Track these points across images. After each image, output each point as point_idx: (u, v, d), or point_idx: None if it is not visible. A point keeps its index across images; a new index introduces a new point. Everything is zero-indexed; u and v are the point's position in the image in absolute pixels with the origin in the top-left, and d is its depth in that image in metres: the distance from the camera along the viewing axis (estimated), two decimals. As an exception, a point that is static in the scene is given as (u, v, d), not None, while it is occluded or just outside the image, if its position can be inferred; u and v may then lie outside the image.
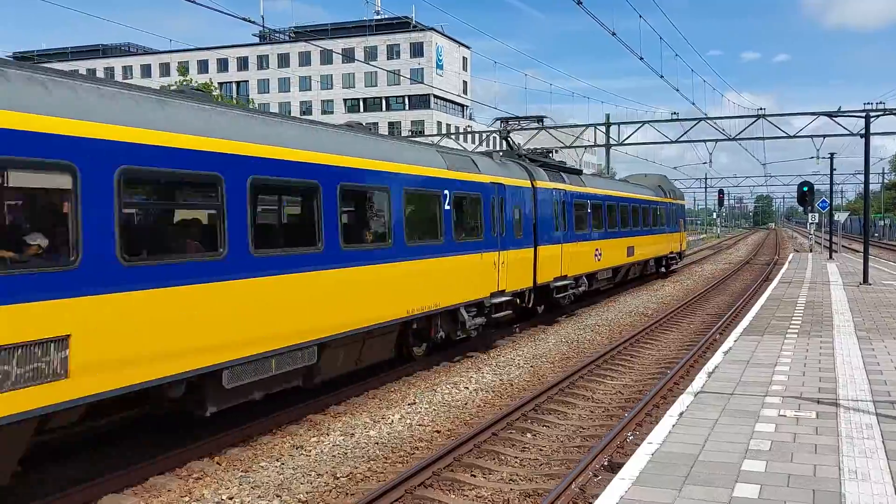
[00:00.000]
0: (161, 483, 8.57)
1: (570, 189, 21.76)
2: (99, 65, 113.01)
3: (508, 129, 22.81)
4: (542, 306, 20.54)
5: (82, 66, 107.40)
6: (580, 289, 22.24)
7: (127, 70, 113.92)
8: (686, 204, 42.22)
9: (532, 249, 18.43)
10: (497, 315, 16.63)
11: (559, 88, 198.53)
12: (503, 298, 16.67)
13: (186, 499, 8.14)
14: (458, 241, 14.71)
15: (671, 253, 36.26)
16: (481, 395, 12.88)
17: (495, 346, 17.52)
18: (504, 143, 22.68)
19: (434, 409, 11.87)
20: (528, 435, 10.60)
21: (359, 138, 12.44)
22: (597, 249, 23.87)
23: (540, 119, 23.73)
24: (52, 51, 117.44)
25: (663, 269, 36.09)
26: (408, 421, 11.20)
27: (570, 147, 44.93)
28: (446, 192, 14.41)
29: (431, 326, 14.39)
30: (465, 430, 10.74)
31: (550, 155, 24.38)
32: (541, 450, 9.97)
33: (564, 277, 20.80)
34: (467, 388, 13.35)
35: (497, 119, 23.00)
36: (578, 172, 24.37)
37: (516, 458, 9.59)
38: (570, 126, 47.83)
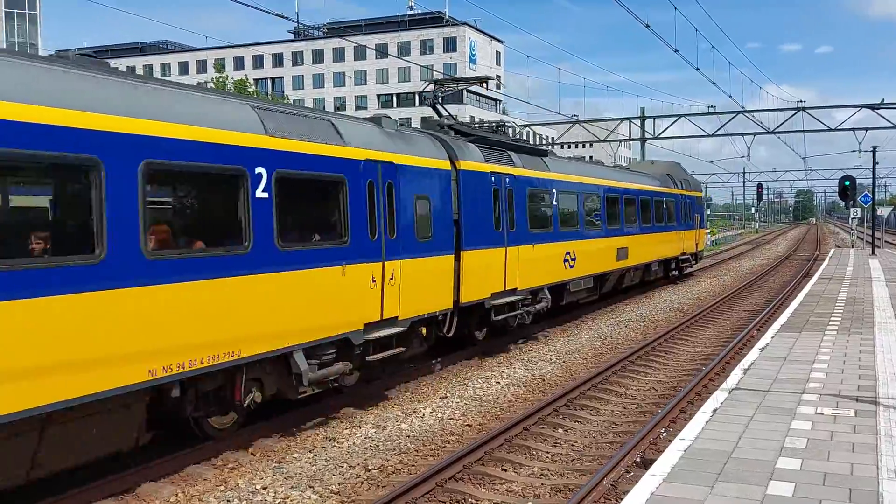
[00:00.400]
0: (197, 472, 8.72)
1: (522, 174, 16.48)
2: (138, 62, 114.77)
3: (436, 92, 16.59)
4: (483, 330, 15.74)
5: (122, 63, 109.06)
6: (540, 305, 17.11)
7: (165, 67, 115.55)
8: (703, 196, 36.11)
9: (451, 256, 13.41)
10: (378, 356, 11.39)
11: (592, 82, 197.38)
12: (392, 330, 11.53)
13: (222, 488, 8.27)
14: (289, 248, 9.53)
15: (683, 254, 30.54)
16: (513, 390, 12.87)
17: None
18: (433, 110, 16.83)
19: (465, 403, 11.90)
20: (560, 430, 10.58)
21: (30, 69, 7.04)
22: (568, 253, 18.64)
23: (484, 80, 17.27)
24: (92, 49, 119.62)
25: (674, 273, 30.51)
26: (439, 414, 11.24)
27: (604, 141, 44.57)
28: (260, 170, 9.09)
29: (235, 386, 9.25)
30: (496, 424, 10.75)
31: (511, 131, 19.18)
32: (572, 445, 9.94)
33: (512, 292, 15.70)
34: (499, 382, 13.35)
35: (429, 81, 17.09)
36: (541, 153, 18.80)
37: (547, 453, 9.58)
38: (605, 120, 47.48)
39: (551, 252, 17.80)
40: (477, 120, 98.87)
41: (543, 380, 13.71)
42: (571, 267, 18.88)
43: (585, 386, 12.69)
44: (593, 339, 17.96)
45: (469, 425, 10.80)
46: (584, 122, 45.27)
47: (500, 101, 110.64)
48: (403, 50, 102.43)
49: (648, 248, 25.75)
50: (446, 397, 12.25)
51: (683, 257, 30.74)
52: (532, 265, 16.57)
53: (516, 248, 15.87)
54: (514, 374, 14.00)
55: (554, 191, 18.12)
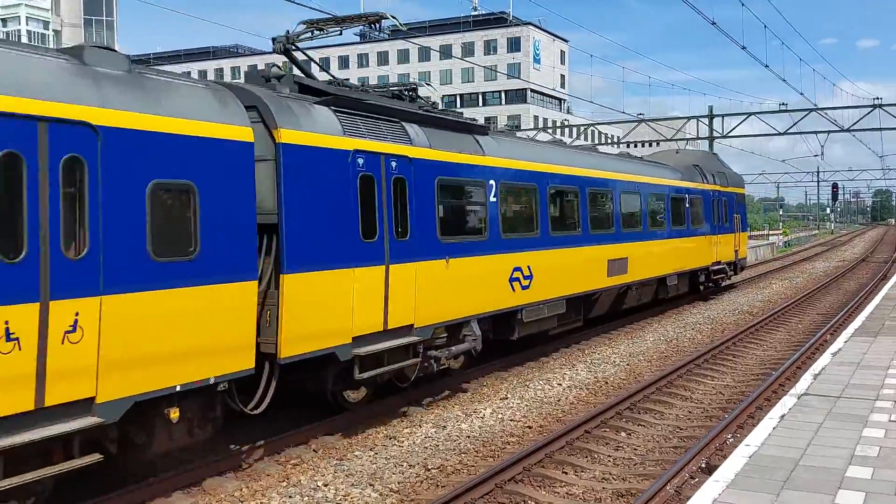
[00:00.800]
0: (261, 468, 8.92)
1: (426, 156, 11.38)
2: (209, 66, 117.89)
3: (291, 35, 11.97)
4: (360, 389, 11.24)
5: (194, 67, 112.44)
6: (461, 347, 12.15)
7: (235, 71, 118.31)
8: (744, 192, 29.96)
9: (251, 284, 8.39)
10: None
11: (658, 81, 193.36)
12: (60, 428, 6.60)
13: (284, 484, 8.44)
14: None
15: (716, 263, 24.85)
16: (575, 392, 12.76)
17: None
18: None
19: (526, 405, 11.85)
20: (623, 434, 10.44)
21: None
22: (518, 269, 13.52)
23: (376, 20, 12.05)
24: (165, 53, 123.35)
25: (709, 286, 25.07)
26: (499, 415, 11.23)
27: (670, 140, 43.76)
28: None
29: None
30: (557, 426, 10.68)
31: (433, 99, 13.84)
32: (635, 449, 9.80)
33: (402, 331, 10.70)
34: (560, 384, 13.25)
35: (301, 22, 12.21)
36: (474, 130, 13.35)
37: (610, 456, 9.47)
38: (671, 118, 46.62)
39: (484, 268, 12.61)
40: (541, 120, 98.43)
41: (606, 382, 13.55)
42: (525, 287, 13.72)
43: (650, 389, 12.49)
44: (658, 341, 17.66)
45: (529, 427, 10.75)
46: (649, 120, 44.54)
47: (565, 100, 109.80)
48: (467, 50, 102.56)
49: (661, 257, 20.39)
50: (507, 398, 12.22)
51: (717, 267, 25.00)
52: (446, 288, 11.60)
53: (411, 266, 10.84)
54: (577, 377, 13.87)
55: (492, 182, 12.95)
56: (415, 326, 10.96)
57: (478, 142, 13.07)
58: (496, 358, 14.51)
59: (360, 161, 10.11)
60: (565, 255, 15.24)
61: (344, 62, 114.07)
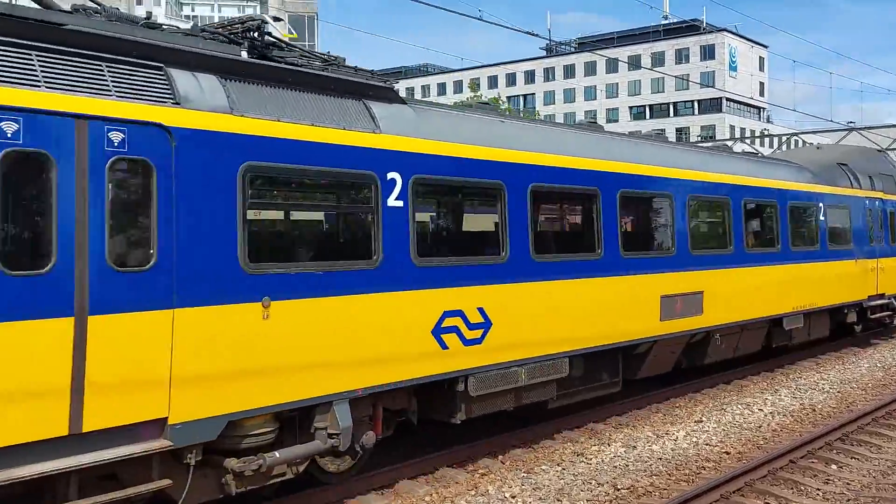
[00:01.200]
0: (450, 475, 9.07)
1: (207, 126, 6.70)
2: (401, 85, 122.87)
3: None
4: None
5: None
6: (310, 448, 7.51)
7: (425, 89, 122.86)
8: None
9: None
10: None
11: (870, 86, 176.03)
12: None
13: (473, 492, 8.51)
14: None
15: (875, 297, 18.20)
16: (777, 419, 11.90)
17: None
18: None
19: (723, 429, 11.20)
20: (833, 466, 9.60)
21: None
22: (457, 313, 8.70)
23: None
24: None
25: (871, 326, 19.13)
26: (693, 439, 10.69)
27: (887, 150, 40.02)
28: None
29: None
30: (757, 454, 10.01)
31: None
32: (848, 484, 8.96)
33: (139, 431, 6.23)
34: (762, 410, 12.42)
35: None
36: (374, 94, 8.49)
37: (818, 490, 8.72)
38: (887, 126, 42.59)
39: (370, 313, 7.85)
40: (738, 129, 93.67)
41: (814, 410, 12.53)
42: (473, 342, 8.89)
43: (864, 419, 11.42)
44: (874, 368, 16.11)
45: (727, 453, 10.15)
46: (861, 129, 40.95)
47: (764, 109, 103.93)
48: (657, 60, 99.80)
49: (771, 290, 14.38)
50: (702, 421, 11.63)
51: (878, 302, 18.38)
52: (263, 352, 6.97)
53: (159, 316, 6.32)
54: (780, 402, 12.95)
55: (393, 177, 8.17)
56: (170, 423, 6.35)
57: (370, 111, 8.28)
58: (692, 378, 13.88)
59: (8, 129, 5.63)
60: (566, 290, 10.09)
61: (530, 77, 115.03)
